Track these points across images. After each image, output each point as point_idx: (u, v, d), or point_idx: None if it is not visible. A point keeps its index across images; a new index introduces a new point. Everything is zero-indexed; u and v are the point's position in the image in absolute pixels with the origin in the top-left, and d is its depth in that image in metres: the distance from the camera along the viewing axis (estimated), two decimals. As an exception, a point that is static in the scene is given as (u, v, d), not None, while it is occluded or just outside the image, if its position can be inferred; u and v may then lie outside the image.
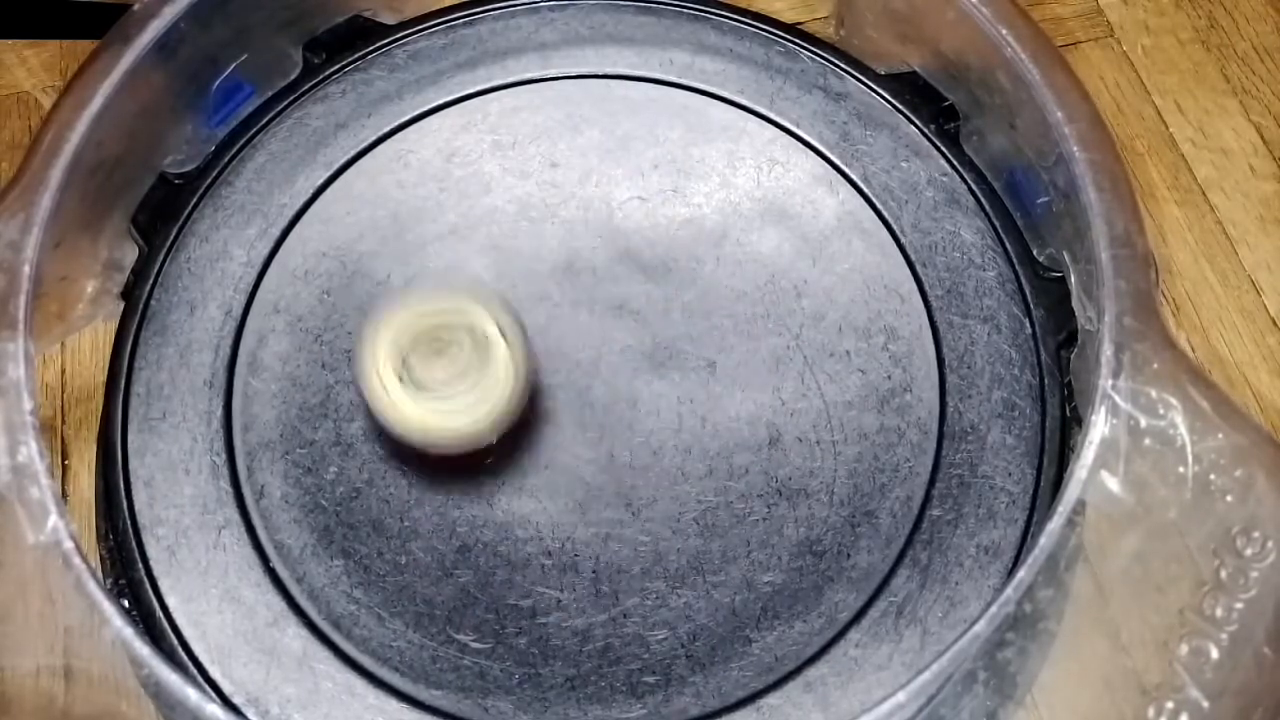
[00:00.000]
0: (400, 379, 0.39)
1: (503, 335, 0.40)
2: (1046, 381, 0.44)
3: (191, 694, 0.33)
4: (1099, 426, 0.35)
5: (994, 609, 0.32)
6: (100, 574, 0.37)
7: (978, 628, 0.32)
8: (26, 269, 0.37)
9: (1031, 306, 0.45)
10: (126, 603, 0.41)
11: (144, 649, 0.33)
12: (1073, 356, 0.43)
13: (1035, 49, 0.40)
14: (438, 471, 0.43)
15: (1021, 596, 0.32)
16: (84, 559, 0.34)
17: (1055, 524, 0.33)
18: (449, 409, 0.39)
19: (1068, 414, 0.43)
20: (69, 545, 0.33)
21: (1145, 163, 0.56)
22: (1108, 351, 0.35)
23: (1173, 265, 0.54)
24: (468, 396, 0.39)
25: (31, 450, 0.34)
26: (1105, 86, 0.58)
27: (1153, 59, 0.58)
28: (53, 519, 0.33)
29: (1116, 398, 0.35)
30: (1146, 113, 0.57)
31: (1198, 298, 0.54)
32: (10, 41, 0.60)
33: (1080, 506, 0.34)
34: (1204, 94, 0.57)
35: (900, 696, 0.32)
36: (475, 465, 0.43)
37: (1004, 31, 0.41)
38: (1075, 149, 0.39)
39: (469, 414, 0.39)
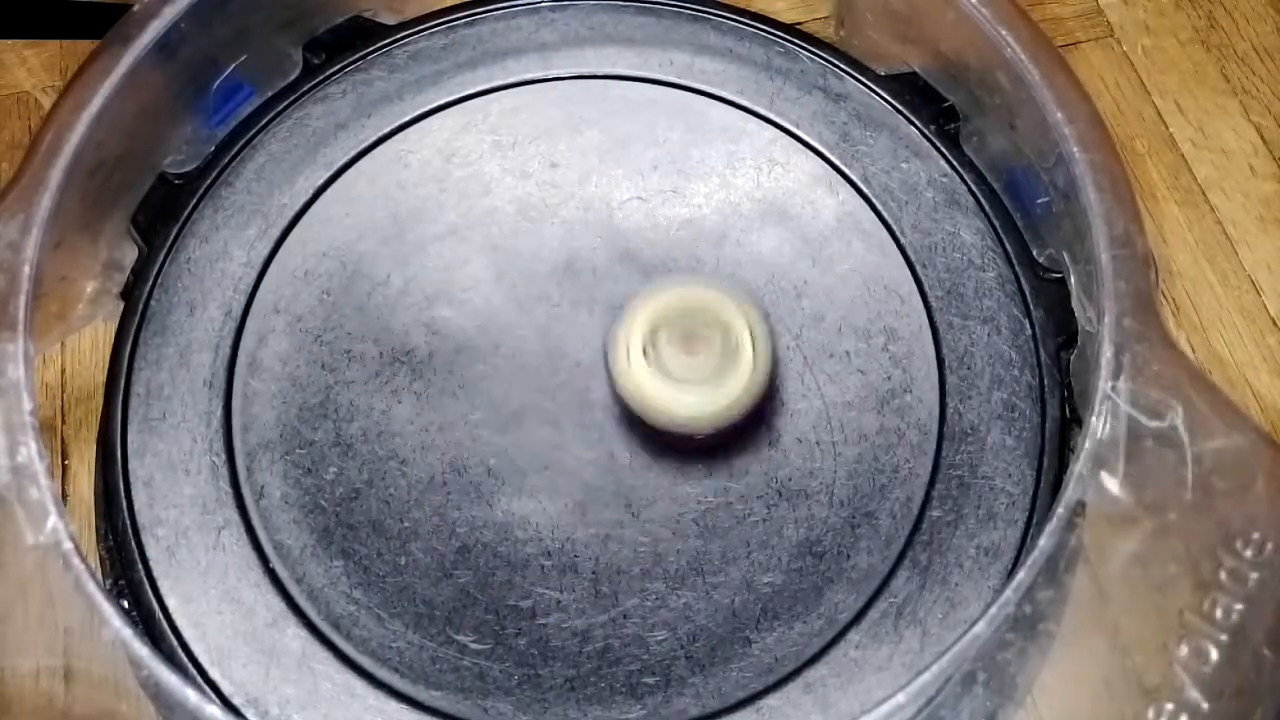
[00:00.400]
0: (646, 356, 0.40)
1: (752, 341, 0.41)
2: (1046, 382, 0.44)
3: (191, 695, 0.33)
4: (1099, 428, 0.34)
5: (994, 610, 0.32)
6: (100, 575, 0.37)
7: (977, 629, 0.32)
8: (26, 269, 0.37)
9: (1031, 307, 0.45)
10: (126, 603, 0.41)
11: (143, 650, 0.33)
12: (1073, 358, 0.43)
13: (1035, 49, 0.40)
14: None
15: (1021, 598, 0.32)
16: (83, 560, 0.34)
17: (1055, 525, 0.33)
18: (686, 395, 0.40)
19: (1067, 415, 0.43)
20: (68, 546, 0.33)
21: (1145, 163, 0.56)
22: (1108, 353, 0.35)
23: (1173, 265, 0.54)
24: (707, 389, 0.40)
25: (31, 451, 0.34)
26: (1105, 87, 0.58)
27: (1153, 59, 0.58)
28: (52, 520, 0.33)
29: (1116, 399, 0.35)
30: (1146, 113, 0.57)
31: (1198, 298, 0.54)
32: (10, 41, 0.60)
33: (1080, 507, 0.34)
34: (1204, 94, 0.57)
35: (900, 698, 0.32)
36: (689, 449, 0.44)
37: (1004, 32, 0.41)
38: (1075, 149, 0.39)
39: (702, 405, 0.40)
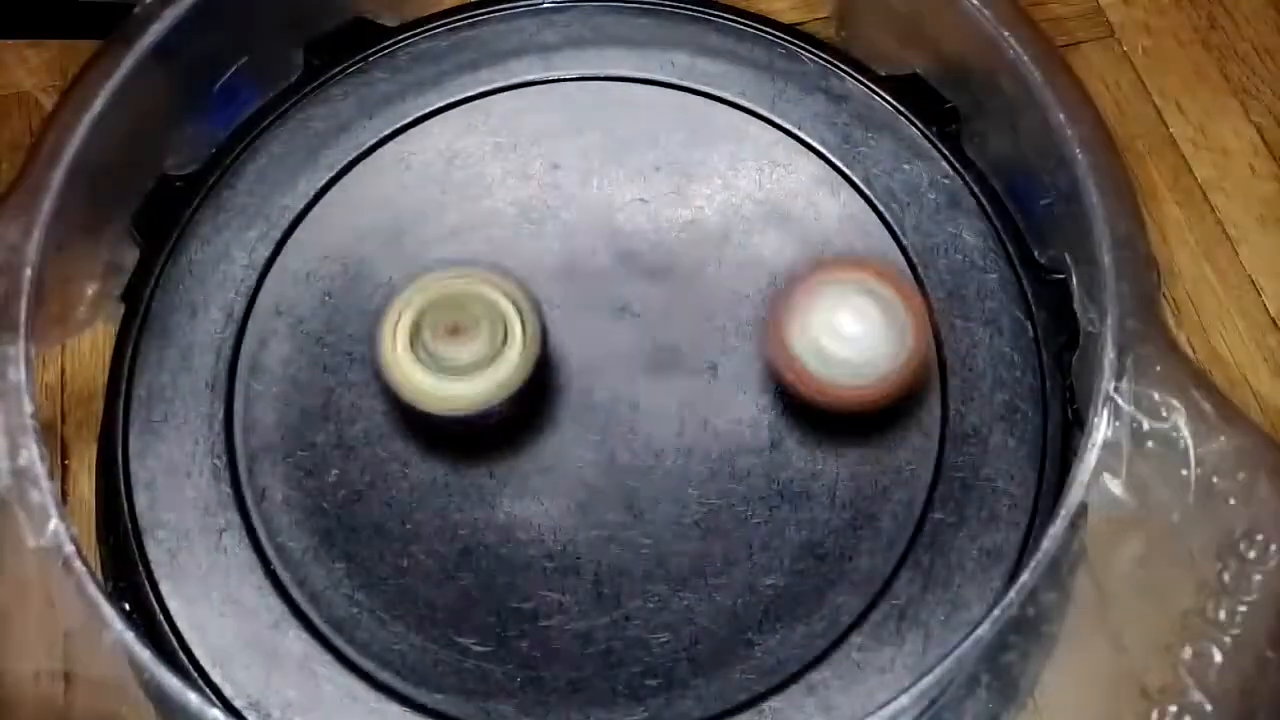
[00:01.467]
0: (413, 349, 0.40)
1: (520, 318, 0.41)
2: (1048, 384, 0.44)
3: (193, 698, 0.33)
4: (1101, 429, 0.35)
5: (997, 612, 0.32)
6: (100, 577, 0.36)
7: (980, 631, 0.32)
8: (28, 272, 0.37)
9: (1033, 309, 0.45)
10: (127, 606, 0.41)
11: (145, 653, 0.33)
12: (1075, 359, 0.43)
13: (1037, 51, 0.40)
14: (442, 444, 0.44)
15: (1024, 600, 0.32)
16: (85, 563, 0.34)
17: (1058, 527, 0.33)
18: (458, 380, 0.40)
19: (1070, 417, 0.43)
20: (70, 549, 0.33)
21: (1146, 163, 0.56)
22: (1110, 354, 0.35)
23: (1173, 265, 0.54)
24: (480, 371, 0.40)
25: (32, 454, 0.34)
26: (1106, 87, 0.58)
27: (1153, 59, 0.58)
28: (53, 523, 0.33)
29: (1119, 400, 0.35)
30: (1147, 113, 0.57)
31: (1198, 298, 0.54)
32: (11, 41, 0.60)
33: (1083, 509, 0.34)
34: (1204, 94, 0.57)
35: (903, 700, 0.32)
36: (477, 438, 0.43)
37: (1006, 34, 0.41)
38: (1077, 151, 0.39)
39: (476, 385, 0.40)
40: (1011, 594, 0.32)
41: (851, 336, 0.40)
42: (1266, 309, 0.53)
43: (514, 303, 0.41)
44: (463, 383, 0.40)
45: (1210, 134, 0.56)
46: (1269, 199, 0.55)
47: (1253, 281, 0.54)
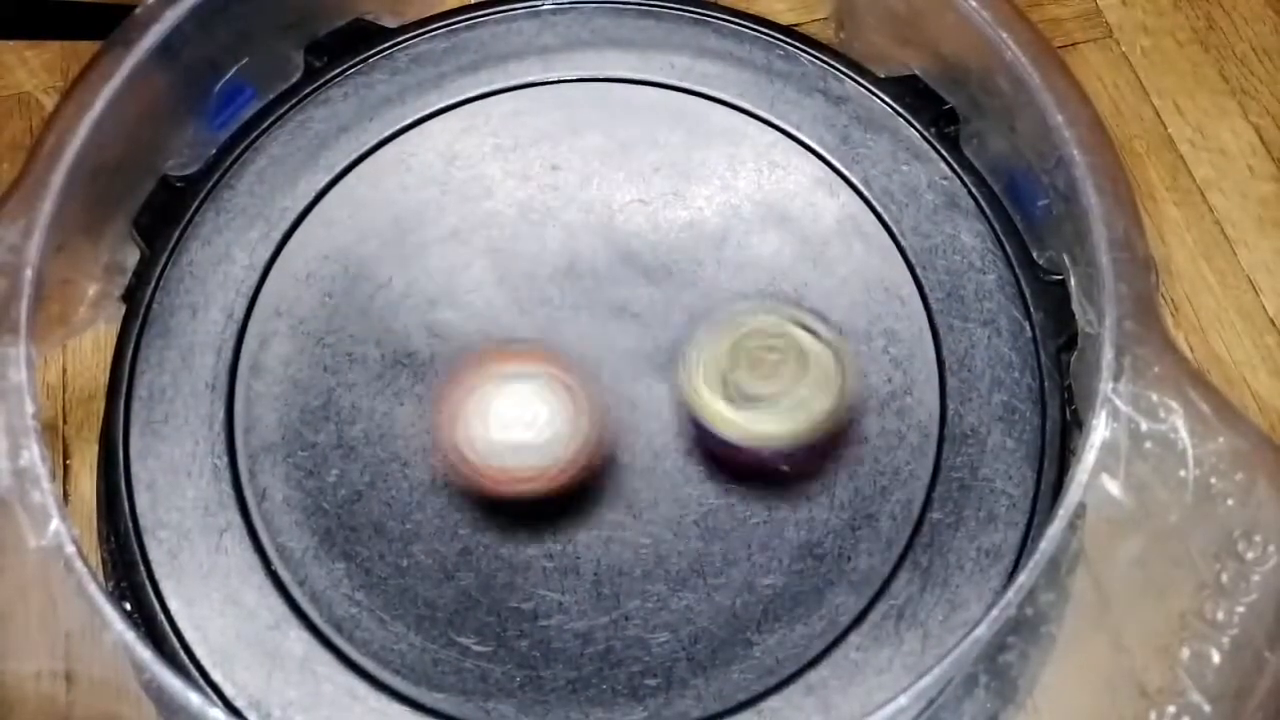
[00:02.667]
0: (723, 391, 0.40)
1: (828, 348, 0.40)
2: (1047, 385, 0.44)
3: (194, 698, 0.33)
4: (1100, 430, 0.35)
5: (995, 612, 0.32)
6: (101, 577, 0.37)
7: (979, 631, 0.32)
8: (28, 273, 0.37)
9: (1032, 309, 0.45)
10: (129, 606, 0.41)
11: (146, 653, 0.33)
12: (1073, 359, 0.43)
13: (1035, 52, 0.40)
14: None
15: (1023, 600, 0.32)
16: (86, 563, 0.34)
17: (1056, 527, 0.33)
18: (766, 415, 0.40)
19: (1068, 417, 0.43)
20: (71, 549, 0.33)
21: (1144, 163, 0.56)
22: (1108, 355, 0.36)
23: (1171, 266, 0.54)
24: (787, 404, 0.40)
25: (34, 454, 0.34)
26: (1104, 87, 0.58)
27: (1151, 60, 0.58)
28: (54, 523, 0.34)
29: (1117, 401, 0.35)
30: (1145, 113, 0.57)
31: (1196, 298, 0.54)
32: (11, 42, 0.60)
33: (1081, 510, 0.34)
34: (1203, 94, 0.58)
35: (902, 700, 0.32)
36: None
37: (1004, 35, 0.41)
38: (1075, 152, 0.39)
39: (784, 419, 0.40)
40: (1010, 594, 0.32)
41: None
42: (1265, 309, 0.53)
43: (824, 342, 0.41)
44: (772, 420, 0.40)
45: (1208, 134, 0.57)
46: (1267, 199, 0.55)
47: (1251, 282, 0.54)
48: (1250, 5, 0.59)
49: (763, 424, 0.39)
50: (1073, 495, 0.34)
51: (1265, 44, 0.58)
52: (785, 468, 0.42)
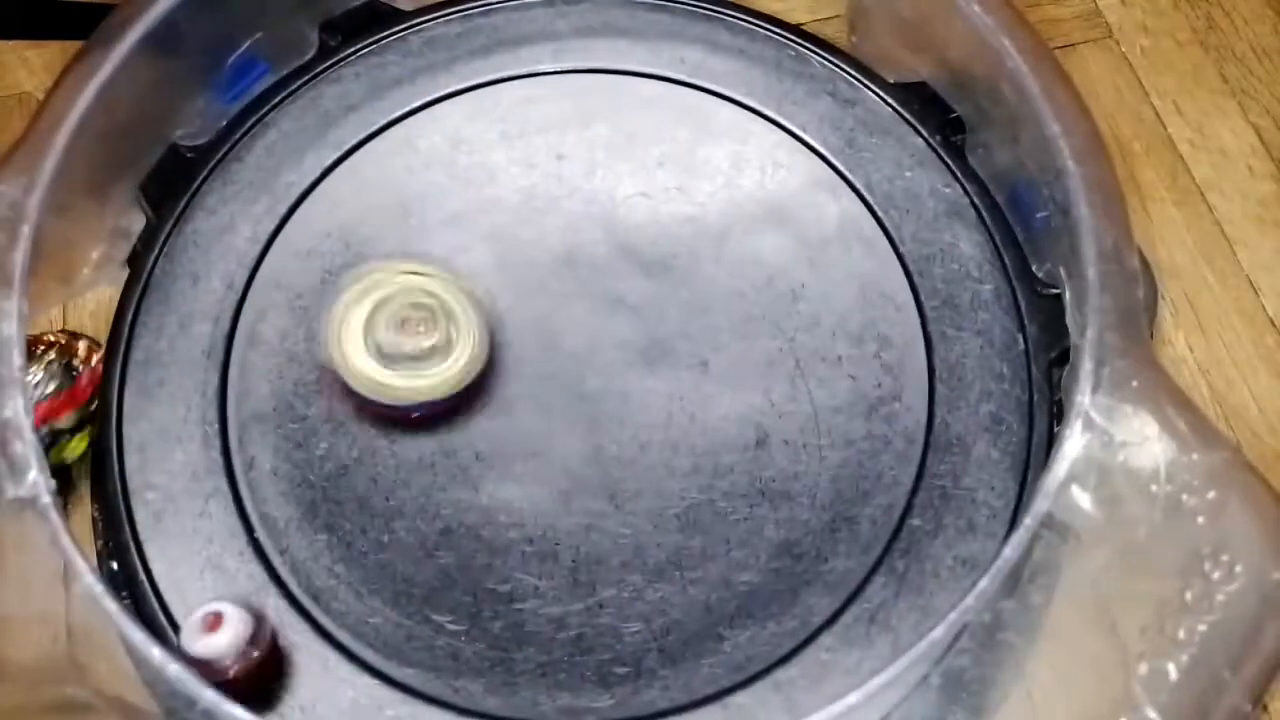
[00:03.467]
0: (366, 349, 0.42)
1: (466, 309, 0.43)
2: (1035, 398, 0.44)
3: (156, 652, 0.33)
4: (1073, 440, 0.34)
5: (953, 616, 0.32)
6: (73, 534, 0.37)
7: (935, 634, 0.32)
8: (26, 229, 0.38)
9: (1026, 322, 0.45)
10: (115, 564, 0.42)
11: (113, 605, 0.34)
12: (1064, 374, 0.43)
13: (1037, 60, 0.40)
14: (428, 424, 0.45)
15: (982, 606, 0.32)
16: (62, 515, 0.34)
17: (1020, 535, 0.33)
18: (412, 374, 0.42)
19: (1054, 431, 0.43)
20: (46, 500, 0.34)
21: (1143, 163, 0.56)
22: (1087, 366, 0.35)
23: (1171, 266, 0.54)
24: (431, 363, 0.42)
25: (17, 406, 0.35)
26: (1103, 88, 0.57)
27: (1151, 60, 0.58)
28: (33, 474, 0.34)
29: (1093, 413, 0.35)
30: (1145, 113, 0.57)
31: (1196, 298, 0.53)
32: (11, 42, 0.60)
33: (1049, 519, 0.34)
34: (1202, 95, 0.57)
35: (852, 698, 0.32)
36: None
37: (1006, 42, 0.41)
38: (1071, 163, 0.39)
39: (430, 379, 0.42)
40: (969, 599, 0.32)
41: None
42: (1264, 309, 0.53)
43: (461, 300, 0.43)
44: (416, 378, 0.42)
45: (1208, 134, 0.56)
46: (1267, 199, 0.55)
47: (1251, 282, 0.53)
48: (1250, 5, 0.59)
49: (409, 382, 0.42)
50: (1040, 504, 0.33)
51: (1265, 44, 0.58)
52: (416, 415, 0.44)
